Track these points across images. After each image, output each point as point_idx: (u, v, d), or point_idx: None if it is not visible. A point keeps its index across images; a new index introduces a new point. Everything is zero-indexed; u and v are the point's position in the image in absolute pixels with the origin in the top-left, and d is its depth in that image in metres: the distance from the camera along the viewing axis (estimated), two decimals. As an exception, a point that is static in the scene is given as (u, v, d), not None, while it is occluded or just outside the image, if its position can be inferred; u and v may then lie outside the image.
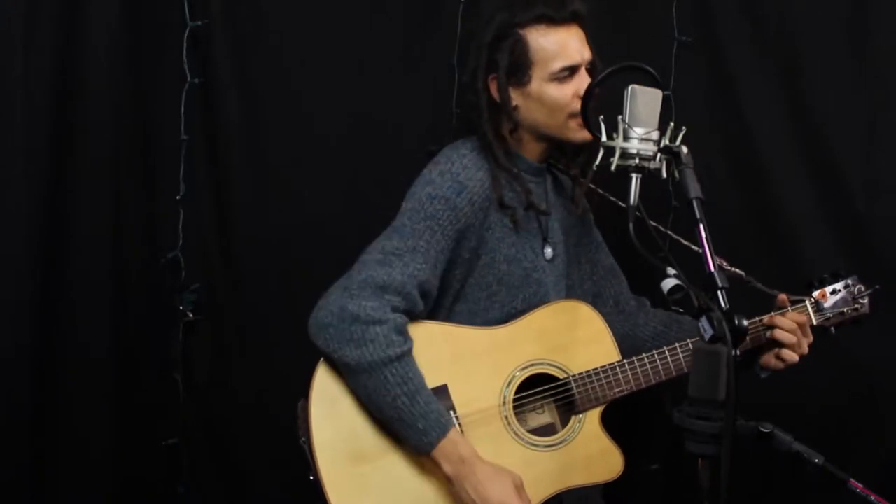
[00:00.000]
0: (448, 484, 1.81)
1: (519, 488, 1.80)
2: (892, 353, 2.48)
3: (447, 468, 1.78)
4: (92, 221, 2.31)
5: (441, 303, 1.93)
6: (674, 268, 1.62)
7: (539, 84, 1.88)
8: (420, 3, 2.54)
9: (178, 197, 2.42)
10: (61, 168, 2.28)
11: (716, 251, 1.52)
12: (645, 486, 2.48)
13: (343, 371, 1.80)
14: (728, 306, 1.44)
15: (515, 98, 1.90)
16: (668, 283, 1.65)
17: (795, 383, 2.36)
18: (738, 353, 1.91)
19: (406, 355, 1.78)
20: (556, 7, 1.88)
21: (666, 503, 2.59)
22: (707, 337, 1.42)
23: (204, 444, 2.52)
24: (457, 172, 1.86)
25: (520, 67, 1.88)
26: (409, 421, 1.76)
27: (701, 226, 1.52)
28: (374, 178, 2.44)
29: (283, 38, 2.46)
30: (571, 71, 1.88)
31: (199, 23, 2.37)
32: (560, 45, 1.87)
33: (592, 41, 1.93)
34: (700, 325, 1.43)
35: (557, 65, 1.86)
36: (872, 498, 1.59)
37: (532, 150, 1.97)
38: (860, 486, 1.59)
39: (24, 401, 2.23)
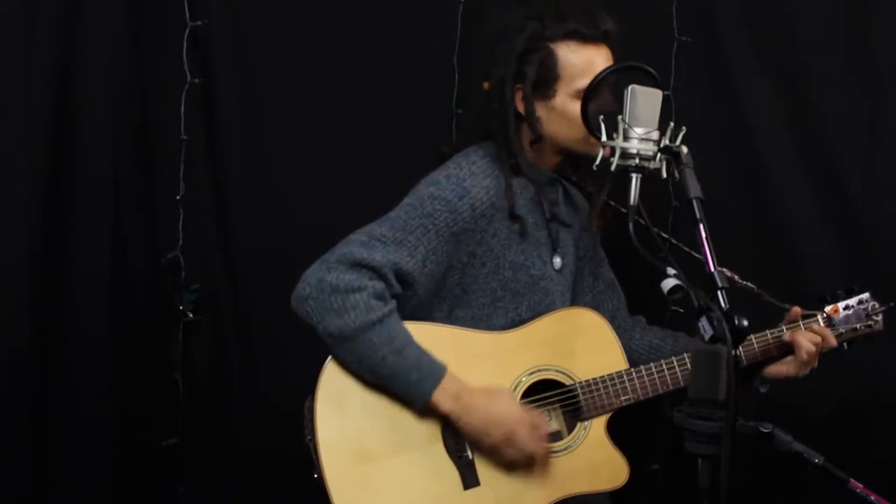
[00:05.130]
0: (452, 483, 1.82)
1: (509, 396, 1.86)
2: (892, 353, 2.48)
3: (445, 408, 1.80)
4: (92, 221, 2.31)
5: (440, 307, 1.93)
6: (674, 268, 1.62)
7: (563, 99, 1.89)
8: (420, 3, 2.54)
9: (178, 197, 2.42)
10: (61, 168, 2.28)
11: (716, 252, 1.52)
12: (645, 486, 2.48)
13: (327, 341, 1.80)
14: (728, 306, 1.44)
15: (539, 110, 1.91)
16: (668, 284, 1.64)
17: (795, 383, 2.36)
18: (742, 359, 1.96)
19: (388, 316, 1.79)
20: (588, 25, 1.89)
21: (666, 503, 2.59)
22: (707, 337, 1.42)
23: (204, 444, 2.52)
24: (463, 178, 1.87)
25: (547, 81, 1.89)
26: (403, 375, 1.78)
27: (701, 226, 1.52)
28: (374, 177, 2.44)
29: (282, 38, 2.47)
30: None
31: (199, 23, 2.37)
32: (588, 63, 1.88)
33: (618, 59, 1.92)
34: (700, 325, 1.43)
35: (583, 82, 1.86)
36: (872, 498, 1.59)
37: (548, 161, 1.98)
38: (860, 486, 1.59)
39: (24, 400, 2.24)
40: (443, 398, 1.80)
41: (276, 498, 2.50)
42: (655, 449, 2.56)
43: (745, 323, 1.41)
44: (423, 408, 1.81)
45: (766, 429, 1.55)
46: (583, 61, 1.88)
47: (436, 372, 1.80)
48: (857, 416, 2.53)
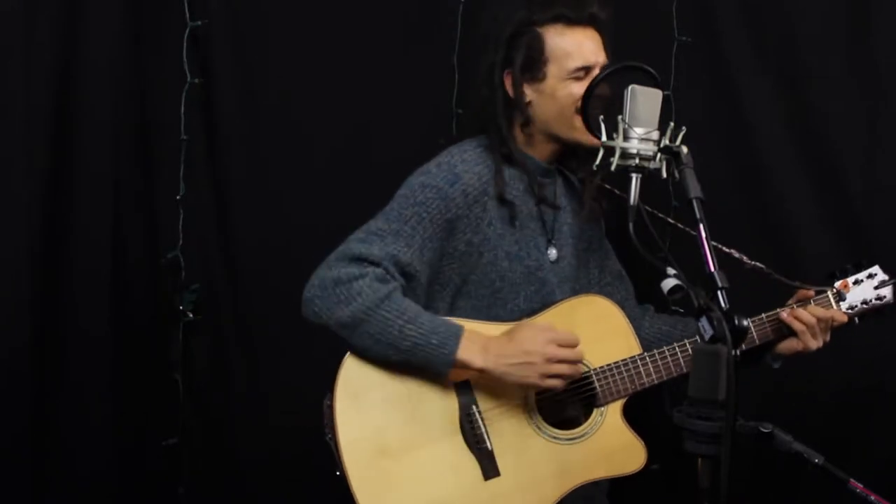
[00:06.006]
0: (472, 474, 1.84)
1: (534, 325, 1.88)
2: (892, 352, 2.48)
3: (477, 364, 1.81)
4: (92, 221, 2.31)
5: (441, 297, 1.94)
6: (674, 268, 1.62)
7: (554, 81, 1.92)
8: (420, 3, 2.54)
9: (178, 197, 2.42)
10: (61, 168, 2.28)
11: (716, 251, 1.52)
12: (645, 486, 2.48)
13: (342, 333, 1.81)
14: (728, 306, 1.44)
15: (529, 94, 1.93)
16: (669, 283, 1.64)
17: (795, 384, 2.36)
18: (755, 342, 1.94)
19: (394, 292, 1.81)
20: (573, 8, 1.92)
21: (666, 503, 2.59)
22: (707, 337, 1.42)
23: (204, 444, 2.52)
24: (454, 164, 1.89)
25: (535, 63, 1.91)
26: (423, 342, 1.78)
27: (701, 226, 1.52)
28: (374, 177, 2.42)
29: (282, 38, 2.47)
30: (586, 71, 1.91)
31: (199, 23, 2.38)
32: (576, 45, 1.91)
33: (610, 48, 1.95)
34: (700, 325, 1.43)
35: (573, 63, 1.90)
36: (872, 498, 1.59)
37: (542, 151, 1.99)
38: (860, 486, 1.59)
39: (25, 400, 2.24)
40: (470, 355, 1.80)
41: (276, 498, 2.50)
42: (655, 449, 2.56)
43: (745, 323, 1.41)
44: (454, 369, 1.81)
45: (766, 429, 1.55)
46: (570, 44, 1.91)
47: (455, 331, 1.81)
48: (857, 416, 2.53)
